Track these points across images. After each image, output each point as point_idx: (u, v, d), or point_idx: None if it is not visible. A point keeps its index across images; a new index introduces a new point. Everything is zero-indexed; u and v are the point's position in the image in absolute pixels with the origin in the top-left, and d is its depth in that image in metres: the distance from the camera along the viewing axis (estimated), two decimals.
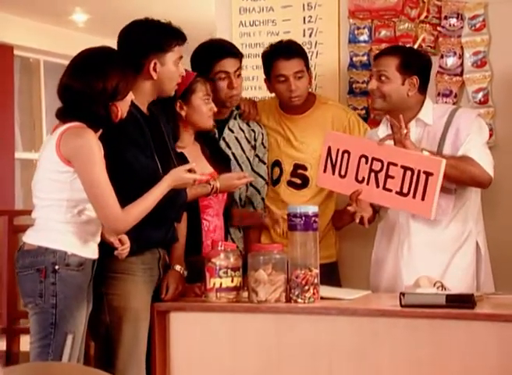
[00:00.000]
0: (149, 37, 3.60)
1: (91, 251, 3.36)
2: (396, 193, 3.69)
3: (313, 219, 3.44)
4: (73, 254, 3.29)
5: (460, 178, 3.77)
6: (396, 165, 3.69)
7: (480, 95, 4.42)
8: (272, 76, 4.27)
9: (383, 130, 3.97)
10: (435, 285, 3.47)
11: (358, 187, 3.78)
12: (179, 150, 3.90)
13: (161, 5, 7.66)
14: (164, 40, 3.60)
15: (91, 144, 3.25)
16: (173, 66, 3.63)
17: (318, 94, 4.49)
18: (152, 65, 3.57)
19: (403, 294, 3.31)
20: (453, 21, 4.47)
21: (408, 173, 3.65)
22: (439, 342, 3.22)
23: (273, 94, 4.36)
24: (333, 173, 3.88)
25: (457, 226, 3.85)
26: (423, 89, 3.91)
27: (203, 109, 3.91)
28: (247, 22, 4.79)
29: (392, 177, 3.70)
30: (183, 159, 3.87)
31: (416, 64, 3.90)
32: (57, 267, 3.26)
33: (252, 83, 4.61)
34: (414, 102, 3.90)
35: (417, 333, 3.25)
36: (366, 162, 3.77)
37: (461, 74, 4.46)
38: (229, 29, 4.79)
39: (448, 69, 4.48)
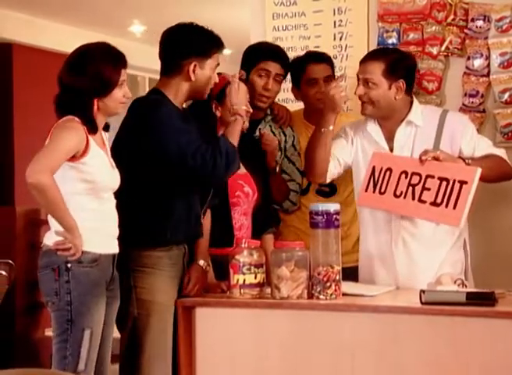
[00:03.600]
0: (193, 41, 3.42)
1: (106, 246, 3.14)
2: (430, 204, 3.43)
3: (334, 216, 3.19)
4: (85, 251, 3.07)
5: (495, 177, 3.56)
6: (433, 177, 3.43)
7: (506, 95, 4.15)
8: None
9: (371, 125, 3.70)
10: (455, 282, 3.19)
11: (396, 202, 3.51)
12: None
13: (212, 15, 7.49)
14: (207, 45, 3.43)
15: (70, 131, 3.04)
16: (210, 72, 3.43)
17: None
18: (192, 67, 3.38)
19: (423, 291, 3.05)
20: (480, 23, 4.20)
21: (444, 183, 3.40)
22: (459, 340, 2.97)
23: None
24: (374, 191, 3.60)
25: None
26: (409, 90, 3.65)
27: None
28: (279, 27, 4.59)
29: (428, 189, 3.44)
30: None
31: (401, 68, 3.62)
32: (69, 265, 3.05)
33: (285, 85, 4.31)
34: (402, 105, 3.64)
35: (438, 331, 2.99)
36: (406, 177, 3.51)
37: (488, 75, 4.19)
38: (262, 33, 4.59)
39: (475, 70, 4.22)
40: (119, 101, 3.17)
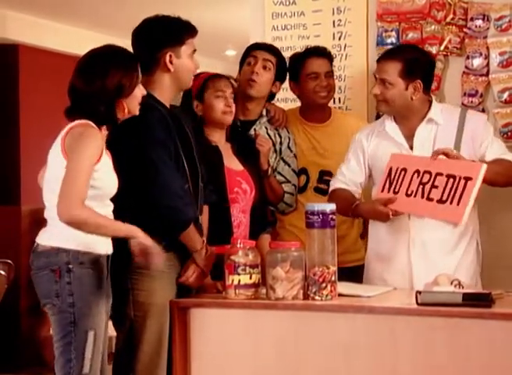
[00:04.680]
0: (162, 32, 3.32)
1: (105, 248, 3.07)
2: (437, 201, 3.35)
3: (330, 216, 3.11)
4: (86, 252, 2.99)
5: (502, 182, 3.49)
6: (442, 174, 3.36)
7: (506, 95, 4.08)
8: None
9: (389, 125, 3.61)
10: (452, 283, 3.11)
11: (406, 201, 3.43)
12: (213, 144, 3.65)
13: (216, 16, 7.47)
14: (177, 32, 3.33)
15: (89, 139, 2.95)
16: (188, 59, 3.35)
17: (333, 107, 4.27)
18: (168, 57, 3.30)
19: (419, 292, 2.97)
20: (479, 22, 4.13)
21: (451, 180, 3.32)
22: (455, 341, 2.89)
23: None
24: (389, 191, 3.51)
25: (466, 225, 3.48)
26: (427, 89, 3.56)
27: (215, 105, 3.62)
28: (279, 26, 4.54)
29: (436, 187, 3.37)
30: (216, 152, 3.63)
31: (419, 68, 3.51)
32: (71, 266, 2.97)
33: (284, 85, 4.23)
34: (419, 104, 3.55)
35: (434, 332, 2.91)
36: (418, 176, 3.43)
37: (487, 74, 4.12)
38: (262, 33, 4.53)
39: (474, 69, 4.15)
40: (138, 100, 3.12)
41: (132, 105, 3.09)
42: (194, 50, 3.38)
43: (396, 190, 3.48)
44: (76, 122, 3.01)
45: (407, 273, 3.50)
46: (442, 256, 3.49)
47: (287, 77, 4.10)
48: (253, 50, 3.97)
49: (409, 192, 3.44)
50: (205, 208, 3.50)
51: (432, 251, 3.49)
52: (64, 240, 2.98)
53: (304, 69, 4.01)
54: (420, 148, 3.53)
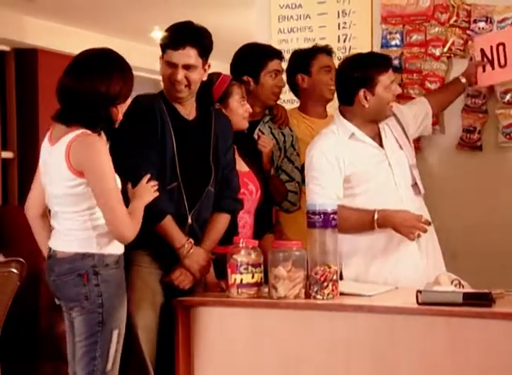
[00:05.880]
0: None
1: (121, 247, 3.04)
2: None
3: (331, 216, 3.04)
4: (110, 254, 2.97)
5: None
6: None
7: (508, 96, 3.96)
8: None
9: (354, 129, 3.49)
10: (452, 283, 3.02)
11: (500, 71, 3.71)
12: None
13: (231, 20, 7.43)
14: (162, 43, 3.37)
15: (102, 156, 2.89)
16: (163, 69, 3.29)
17: None
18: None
19: (420, 291, 2.89)
20: (482, 24, 4.02)
21: None
22: (455, 340, 2.82)
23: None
24: (493, 68, 3.72)
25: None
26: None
27: (239, 111, 3.57)
28: (285, 29, 4.46)
29: None
30: None
31: None
32: (97, 269, 2.94)
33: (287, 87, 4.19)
34: None
35: (434, 331, 2.84)
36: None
37: None
38: (268, 36, 4.45)
39: None
40: (126, 105, 3.07)
41: (122, 110, 3.03)
42: (171, 62, 3.26)
43: (502, 63, 3.69)
44: (76, 133, 2.91)
45: (420, 264, 3.44)
46: (436, 244, 3.52)
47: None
48: (271, 59, 3.91)
49: (501, 63, 3.69)
50: (222, 217, 3.38)
51: (434, 243, 3.51)
52: (87, 245, 2.96)
53: (318, 61, 4.04)
54: (389, 142, 3.52)
